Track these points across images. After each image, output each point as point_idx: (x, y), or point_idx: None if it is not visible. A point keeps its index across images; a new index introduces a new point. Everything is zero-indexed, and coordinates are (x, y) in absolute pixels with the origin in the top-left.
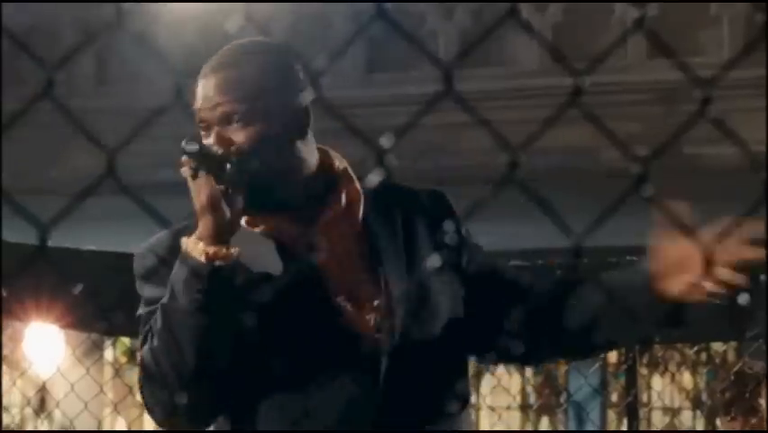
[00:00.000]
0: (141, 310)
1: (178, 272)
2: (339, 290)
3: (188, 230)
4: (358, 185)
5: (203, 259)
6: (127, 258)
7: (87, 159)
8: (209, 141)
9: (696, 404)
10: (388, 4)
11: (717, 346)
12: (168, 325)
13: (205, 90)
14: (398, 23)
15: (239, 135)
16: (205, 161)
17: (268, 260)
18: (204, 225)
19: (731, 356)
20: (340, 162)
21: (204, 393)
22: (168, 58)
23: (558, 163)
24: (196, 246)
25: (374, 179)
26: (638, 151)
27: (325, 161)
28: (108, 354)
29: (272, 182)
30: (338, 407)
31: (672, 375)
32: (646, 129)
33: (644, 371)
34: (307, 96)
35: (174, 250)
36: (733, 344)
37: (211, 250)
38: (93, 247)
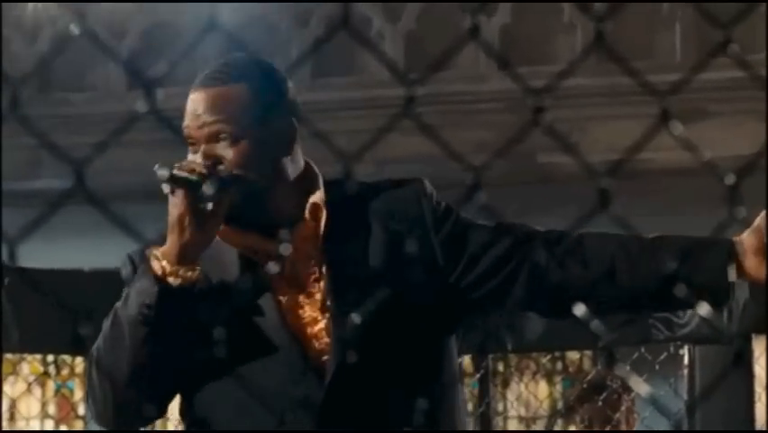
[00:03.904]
0: None
1: (136, 281)
2: (288, 310)
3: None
4: (322, 204)
5: (159, 275)
6: None
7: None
8: (196, 157)
9: (552, 413)
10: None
11: (573, 355)
12: (114, 326)
13: (193, 106)
14: (234, 35)
15: (226, 153)
16: (178, 183)
17: (228, 271)
18: (169, 243)
19: (587, 365)
20: (317, 182)
21: (132, 398)
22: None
23: (405, 172)
24: (156, 261)
25: (345, 188)
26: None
27: (308, 175)
28: None
29: (254, 200)
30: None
31: (527, 384)
32: (498, 137)
33: (498, 379)
34: (295, 115)
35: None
36: (588, 352)
37: (169, 268)
38: None
